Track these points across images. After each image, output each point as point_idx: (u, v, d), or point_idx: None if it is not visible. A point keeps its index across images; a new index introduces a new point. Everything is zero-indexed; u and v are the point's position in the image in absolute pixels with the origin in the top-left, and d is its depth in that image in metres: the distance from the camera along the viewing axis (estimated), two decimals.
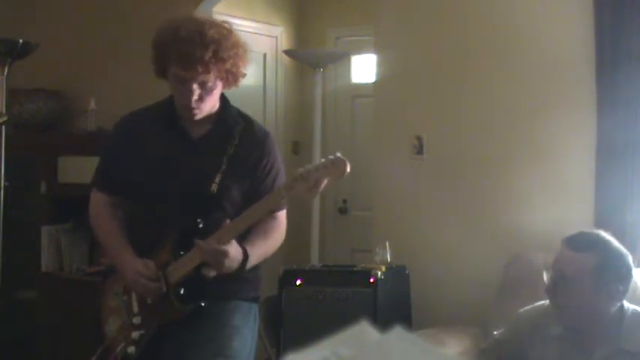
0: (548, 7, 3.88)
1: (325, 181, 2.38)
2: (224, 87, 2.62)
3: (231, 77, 2.59)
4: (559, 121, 3.82)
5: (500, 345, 2.78)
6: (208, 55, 2.48)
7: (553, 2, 3.89)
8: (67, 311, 4.57)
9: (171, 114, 2.66)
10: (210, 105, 2.61)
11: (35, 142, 4.88)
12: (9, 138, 4.17)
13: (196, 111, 2.57)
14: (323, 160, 2.36)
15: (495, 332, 2.86)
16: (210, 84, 2.54)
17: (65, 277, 4.82)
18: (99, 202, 2.75)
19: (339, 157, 2.35)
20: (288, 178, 2.43)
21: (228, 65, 2.54)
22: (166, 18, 2.63)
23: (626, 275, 2.57)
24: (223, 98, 2.69)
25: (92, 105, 4.87)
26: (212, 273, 2.52)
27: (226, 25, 2.63)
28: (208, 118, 2.65)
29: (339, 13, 6.17)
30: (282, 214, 2.70)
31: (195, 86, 2.52)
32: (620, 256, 2.57)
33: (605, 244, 2.58)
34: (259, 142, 2.68)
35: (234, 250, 2.48)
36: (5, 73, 4.16)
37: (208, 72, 2.51)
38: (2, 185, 4.08)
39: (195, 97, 2.53)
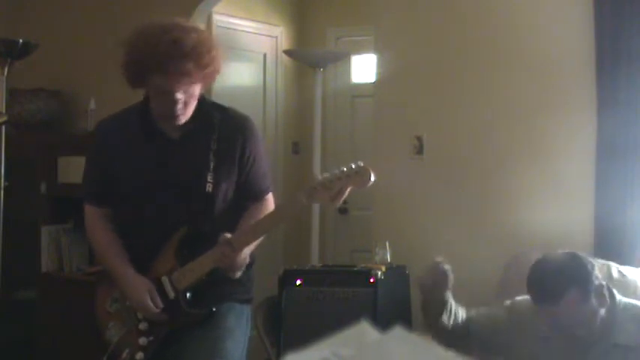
0: (548, 7, 3.88)
1: (348, 190, 2.33)
2: (203, 87, 2.58)
3: (210, 78, 2.55)
4: (559, 121, 3.82)
5: (483, 326, 2.84)
6: (189, 65, 2.41)
7: (553, 2, 3.89)
8: (67, 311, 4.57)
9: (147, 118, 2.61)
10: (192, 107, 2.55)
11: (35, 142, 4.87)
12: (9, 138, 4.17)
13: (181, 117, 2.53)
14: (345, 168, 2.29)
15: (482, 308, 2.89)
16: (192, 90, 2.49)
17: (65, 277, 4.82)
18: (94, 217, 2.70)
19: (362, 167, 2.29)
20: (307, 185, 2.36)
21: (209, 70, 2.49)
22: (133, 27, 2.58)
23: (601, 281, 2.65)
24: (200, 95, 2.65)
25: (92, 105, 4.86)
26: (238, 274, 2.52)
27: (197, 27, 2.60)
28: None
29: (339, 13, 6.16)
30: (269, 198, 2.69)
31: (179, 95, 2.46)
32: (587, 272, 2.62)
33: (569, 272, 2.62)
34: (239, 128, 2.63)
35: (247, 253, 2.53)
36: (5, 73, 4.16)
37: (193, 82, 2.46)
38: (2, 185, 4.08)
39: (180, 105, 2.48)
